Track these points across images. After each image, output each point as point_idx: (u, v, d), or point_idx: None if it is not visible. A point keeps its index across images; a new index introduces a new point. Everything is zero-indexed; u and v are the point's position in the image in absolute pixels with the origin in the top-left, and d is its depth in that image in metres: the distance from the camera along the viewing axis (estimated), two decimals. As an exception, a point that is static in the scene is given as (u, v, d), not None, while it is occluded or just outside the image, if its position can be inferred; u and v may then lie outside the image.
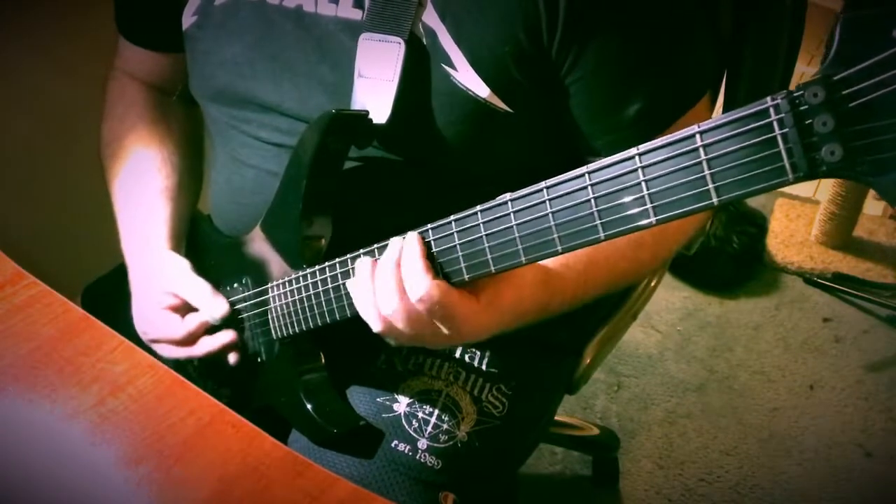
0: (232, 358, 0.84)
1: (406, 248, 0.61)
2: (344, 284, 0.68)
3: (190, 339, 0.82)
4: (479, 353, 0.84)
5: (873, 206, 2.19)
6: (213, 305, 0.81)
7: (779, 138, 0.43)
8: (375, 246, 0.65)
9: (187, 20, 0.83)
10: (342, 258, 0.69)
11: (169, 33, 0.86)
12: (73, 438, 0.63)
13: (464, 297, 0.61)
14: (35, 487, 0.60)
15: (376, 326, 0.64)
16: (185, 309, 0.83)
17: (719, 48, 0.86)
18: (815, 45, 2.34)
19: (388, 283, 0.61)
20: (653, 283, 1.13)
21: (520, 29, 0.68)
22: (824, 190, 2.15)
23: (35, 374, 0.68)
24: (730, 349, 1.81)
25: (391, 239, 0.63)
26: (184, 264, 0.84)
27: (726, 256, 1.93)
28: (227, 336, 0.82)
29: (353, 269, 0.66)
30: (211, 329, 0.83)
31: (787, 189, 2.31)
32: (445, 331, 0.62)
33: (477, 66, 0.69)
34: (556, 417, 1.24)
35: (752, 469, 1.54)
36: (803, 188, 2.33)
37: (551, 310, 0.70)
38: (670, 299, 1.94)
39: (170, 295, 0.82)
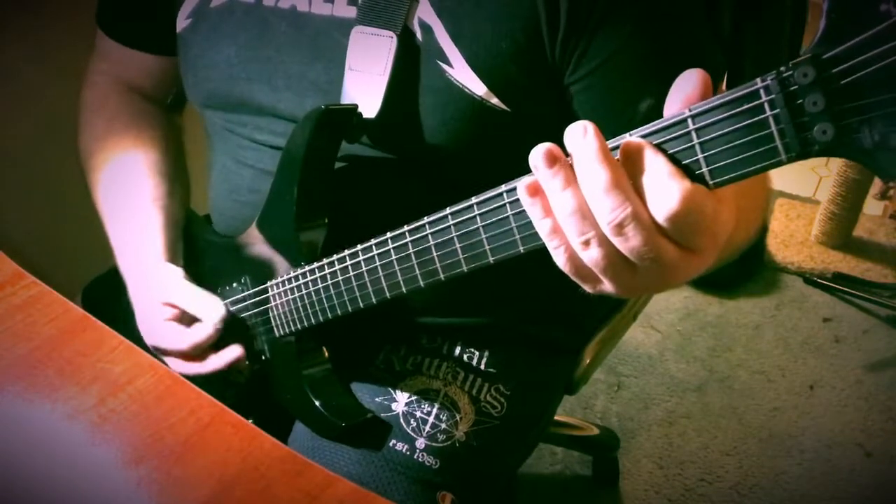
0: (243, 371, 0.84)
1: (630, 149, 0.47)
2: (352, 277, 0.68)
3: (197, 351, 0.81)
4: (477, 352, 0.84)
5: (873, 206, 2.19)
6: (208, 308, 0.80)
7: (770, 119, 0.43)
8: (373, 241, 0.65)
9: (181, 23, 0.83)
10: (340, 254, 0.69)
11: (162, 34, 0.85)
12: (73, 438, 0.63)
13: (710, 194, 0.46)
14: (35, 487, 0.60)
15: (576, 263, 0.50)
16: (186, 318, 0.82)
17: (722, 44, 0.86)
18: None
19: (601, 198, 0.46)
20: (652, 284, 1.13)
21: (517, 28, 0.68)
22: (824, 190, 2.15)
23: (35, 374, 0.68)
24: (730, 349, 1.81)
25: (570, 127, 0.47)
26: (177, 273, 0.83)
27: (726, 257, 1.93)
28: (233, 352, 0.82)
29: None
30: (216, 345, 0.82)
31: (787, 189, 2.31)
32: (681, 252, 0.47)
33: (473, 63, 0.69)
34: (556, 417, 1.24)
35: (752, 469, 1.54)
36: (803, 188, 2.33)
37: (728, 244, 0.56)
38: (670, 299, 1.94)
39: (167, 306, 0.82)
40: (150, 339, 0.84)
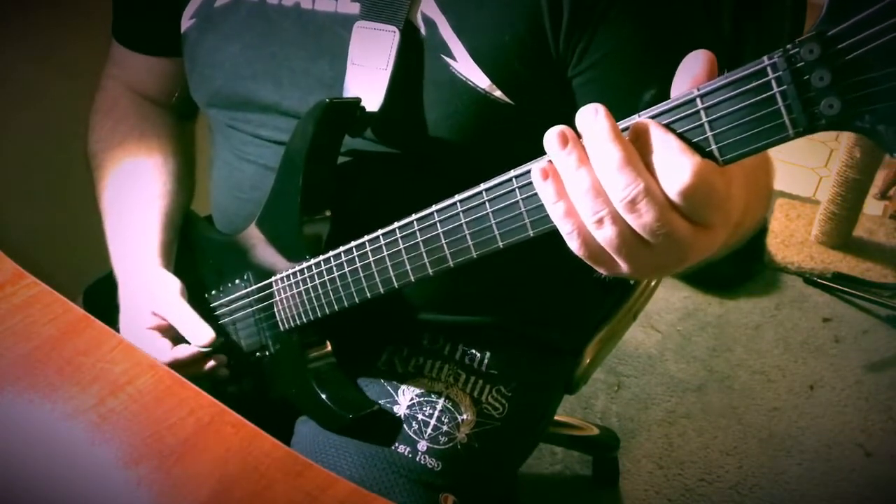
0: (222, 372, 0.84)
1: (641, 128, 0.47)
2: (359, 268, 0.68)
3: (175, 366, 0.80)
4: (478, 354, 0.84)
5: (873, 206, 2.19)
6: (197, 334, 0.79)
7: (777, 95, 0.44)
8: (380, 231, 0.65)
9: (186, 23, 0.83)
10: (347, 247, 0.69)
11: (168, 37, 0.86)
12: (73, 438, 0.63)
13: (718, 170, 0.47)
14: (35, 487, 0.60)
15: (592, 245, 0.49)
16: (171, 332, 0.81)
17: (722, 40, 0.86)
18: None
19: (615, 177, 0.46)
20: (653, 283, 1.13)
21: (520, 21, 0.68)
22: (824, 190, 2.15)
23: (35, 374, 0.68)
24: (730, 349, 1.81)
25: (582, 109, 0.48)
26: (174, 286, 0.82)
27: (726, 256, 1.93)
28: (214, 362, 0.81)
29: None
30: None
31: (787, 189, 2.31)
32: (693, 228, 0.48)
33: (476, 56, 0.69)
34: (556, 417, 1.24)
35: (752, 469, 1.54)
36: (803, 188, 2.34)
37: (741, 220, 0.59)
38: (670, 299, 1.94)
39: (156, 316, 0.81)
40: (128, 338, 0.83)
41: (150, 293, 0.82)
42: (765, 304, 1.94)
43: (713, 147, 0.46)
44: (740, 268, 1.98)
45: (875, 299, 1.90)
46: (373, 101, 0.71)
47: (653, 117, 0.48)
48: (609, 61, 0.68)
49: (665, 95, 0.70)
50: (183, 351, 0.79)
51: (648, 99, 0.69)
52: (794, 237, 2.11)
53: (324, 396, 0.76)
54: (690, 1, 0.70)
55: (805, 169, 2.45)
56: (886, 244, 2.10)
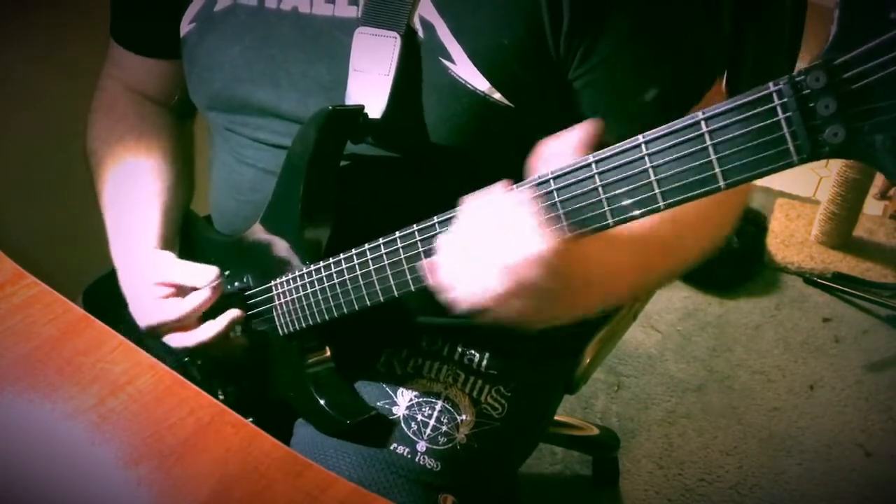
0: (242, 339, 0.83)
1: (511, 203, 0.55)
2: (359, 276, 0.68)
3: (194, 317, 0.80)
4: (478, 354, 0.84)
5: (873, 206, 2.19)
6: (201, 274, 0.79)
7: (783, 122, 0.44)
8: (382, 240, 0.65)
9: (185, 27, 0.83)
10: (347, 254, 0.69)
11: (166, 39, 0.86)
12: (73, 438, 0.63)
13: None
14: (35, 487, 0.60)
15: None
16: (182, 294, 0.81)
17: (721, 40, 0.86)
18: (817, 46, 2.34)
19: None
20: (653, 283, 1.13)
21: (519, 23, 0.68)
22: (824, 190, 2.15)
23: (35, 374, 0.68)
24: (730, 349, 1.81)
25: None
26: (170, 255, 0.83)
27: (726, 256, 1.93)
28: (231, 314, 0.81)
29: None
30: (213, 314, 0.82)
31: (787, 189, 2.31)
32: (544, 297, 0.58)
33: (475, 59, 0.69)
34: (556, 417, 1.24)
35: (752, 469, 1.54)
36: (803, 188, 2.33)
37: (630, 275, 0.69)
38: (670, 299, 1.94)
39: (161, 285, 0.81)
40: (144, 321, 0.83)
41: (149, 269, 0.83)
42: (765, 304, 1.94)
43: (717, 171, 0.47)
44: (740, 268, 1.98)
45: (875, 299, 1.90)
46: (375, 107, 0.71)
47: (657, 138, 0.49)
48: (611, 63, 0.68)
49: (668, 95, 0.71)
50: (198, 297, 0.80)
51: (650, 99, 0.69)
52: (794, 237, 2.11)
53: (322, 402, 0.76)
54: (690, 1, 0.70)
55: (805, 169, 2.45)
56: (886, 244, 2.10)
